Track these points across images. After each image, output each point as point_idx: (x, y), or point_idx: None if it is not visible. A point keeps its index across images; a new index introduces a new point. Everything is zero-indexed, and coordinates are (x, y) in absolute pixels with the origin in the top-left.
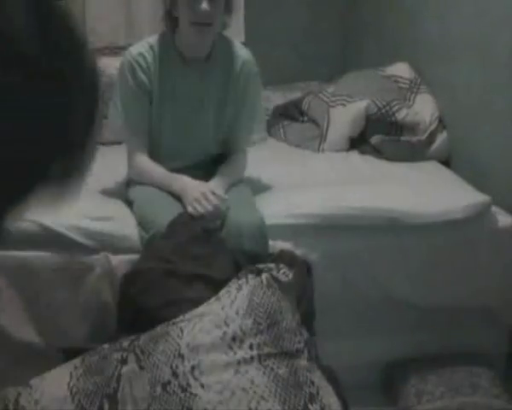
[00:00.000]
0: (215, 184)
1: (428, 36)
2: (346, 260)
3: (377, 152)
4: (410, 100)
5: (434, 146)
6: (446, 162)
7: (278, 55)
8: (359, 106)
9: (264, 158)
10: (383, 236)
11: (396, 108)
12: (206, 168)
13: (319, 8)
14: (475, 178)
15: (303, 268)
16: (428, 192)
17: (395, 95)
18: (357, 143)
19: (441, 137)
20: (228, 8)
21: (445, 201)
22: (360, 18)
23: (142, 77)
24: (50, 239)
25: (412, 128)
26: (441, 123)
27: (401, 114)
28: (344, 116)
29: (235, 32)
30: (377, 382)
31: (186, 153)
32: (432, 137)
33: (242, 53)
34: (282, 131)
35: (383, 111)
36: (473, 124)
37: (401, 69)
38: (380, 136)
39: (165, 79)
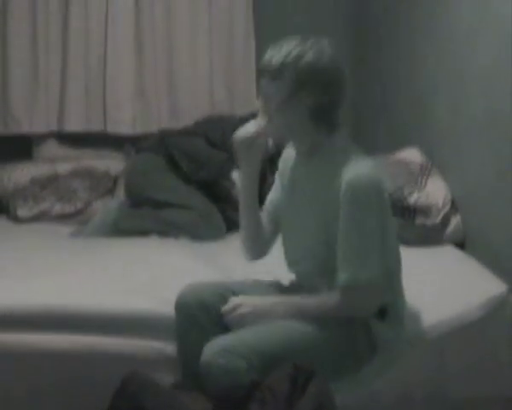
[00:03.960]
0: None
1: (439, 120)
2: None
3: None
4: (421, 183)
5: (449, 229)
6: (461, 245)
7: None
8: None
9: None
10: None
11: (407, 192)
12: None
13: None
14: (490, 260)
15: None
16: (442, 290)
17: (406, 179)
18: None
19: (455, 220)
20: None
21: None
22: (370, 104)
23: (280, 165)
24: None
25: (425, 211)
26: (454, 206)
27: (413, 198)
28: None
29: None
30: None
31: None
32: (446, 220)
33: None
34: None
35: (394, 196)
36: (486, 206)
37: (411, 154)
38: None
39: (291, 168)
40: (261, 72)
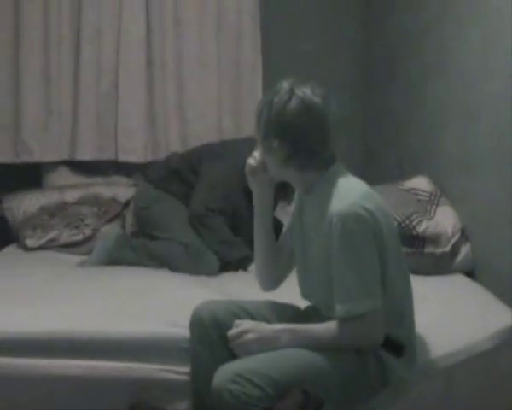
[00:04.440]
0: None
1: (448, 149)
2: None
3: None
4: (430, 212)
5: (459, 258)
6: (471, 274)
7: None
8: None
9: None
10: None
11: (416, 221)
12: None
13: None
14: (501, 290)
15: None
16: (452, 320)
17: (415, 208)
18: None
19: (465, 249)
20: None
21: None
22: (381, 133)
23: (296, 193)
24: None
25: (434, 240)
26: (464, 235)
27: (421, 227)
28: None
29: None
30: None
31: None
32: (456, 249)
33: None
34: None
35: (403, 225)
36: (496, 235)
37: (420, 183)
38: (404, 248)
39: (297, 202)
40: None
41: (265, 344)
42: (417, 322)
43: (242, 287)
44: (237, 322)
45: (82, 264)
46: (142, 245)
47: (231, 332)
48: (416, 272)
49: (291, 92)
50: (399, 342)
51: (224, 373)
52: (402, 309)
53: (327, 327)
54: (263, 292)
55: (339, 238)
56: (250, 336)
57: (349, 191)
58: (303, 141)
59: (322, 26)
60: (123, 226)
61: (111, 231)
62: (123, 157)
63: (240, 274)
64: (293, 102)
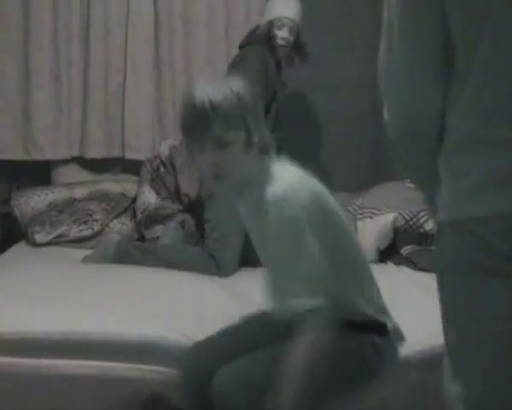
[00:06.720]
0: None
1: None
2: None
3: (411, 263)
4: None
5: None
6: None
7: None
8: (387, 219)
9: None
10: None
11: (423, 219)
12: None
13: (349, 123)
14: None
15: None
16: None
17: (422, 205)
18: (386, 254)
19: None
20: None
21: None
22: None
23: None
24: None
25: None
26: None
27: (429, 225)
28: (371, 228)
29: None
30: None
31: None
32: None
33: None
34: None
35: (411, 223)
36: None
37: None
38: (411, 246)
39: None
40: None
41: None
42: (423, 317)
43: (251, 284)
44: None
45: (85, 260)
46: (150, 247)
47: None
48: (423, 269)
49: (211, 88)
50: (380, 322)
51: (227, 376)
52: (359, 281)
53: None
54: None
55: (276, 221)
56: None
57: (281, 174)
58: (249, 121)
59: (331, 25)
60: (131, 220)
61: (112, 238)
62: (130, 155)
63: (250, 271)
64: (225, 90)
